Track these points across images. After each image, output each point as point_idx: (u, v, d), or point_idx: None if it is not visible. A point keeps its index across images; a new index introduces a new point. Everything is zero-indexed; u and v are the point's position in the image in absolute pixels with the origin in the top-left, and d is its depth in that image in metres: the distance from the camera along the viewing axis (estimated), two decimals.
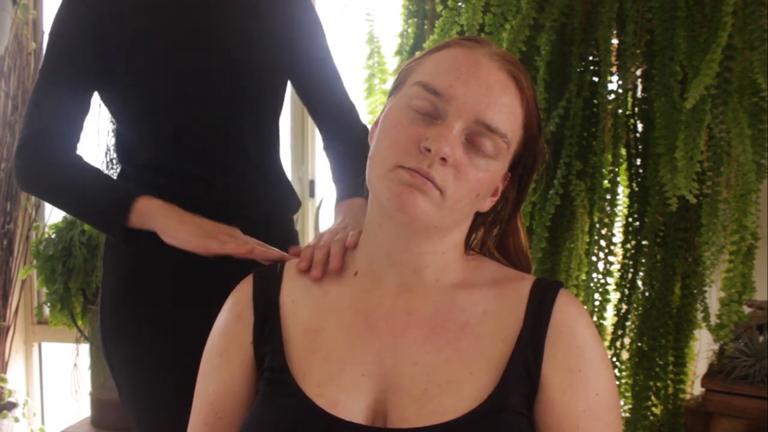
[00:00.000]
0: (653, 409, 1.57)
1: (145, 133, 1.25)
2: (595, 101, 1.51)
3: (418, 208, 0.82)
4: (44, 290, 2.27)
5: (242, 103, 1.26)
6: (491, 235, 0.96)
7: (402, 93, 0.88)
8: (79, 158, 1.21)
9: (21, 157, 1.20)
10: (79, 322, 2.18)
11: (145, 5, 1.23)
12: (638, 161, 1.57)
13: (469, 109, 0.83)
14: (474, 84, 0.84)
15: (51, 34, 1.24)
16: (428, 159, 0.81)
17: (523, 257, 0.98)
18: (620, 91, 1.51)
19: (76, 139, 1.23)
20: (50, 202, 1.26)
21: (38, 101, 1.21)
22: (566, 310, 0.87)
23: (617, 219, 1.57)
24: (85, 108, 1.23)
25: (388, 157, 0.84)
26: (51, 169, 1.19)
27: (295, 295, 0.93)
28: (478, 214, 0.92)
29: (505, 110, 0.84)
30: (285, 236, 1.32)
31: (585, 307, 1.42)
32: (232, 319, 0.94)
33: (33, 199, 2.62)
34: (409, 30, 1.70)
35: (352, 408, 0.83)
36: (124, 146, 1.31)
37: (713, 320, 1.43)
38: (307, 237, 2.41)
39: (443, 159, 0.81)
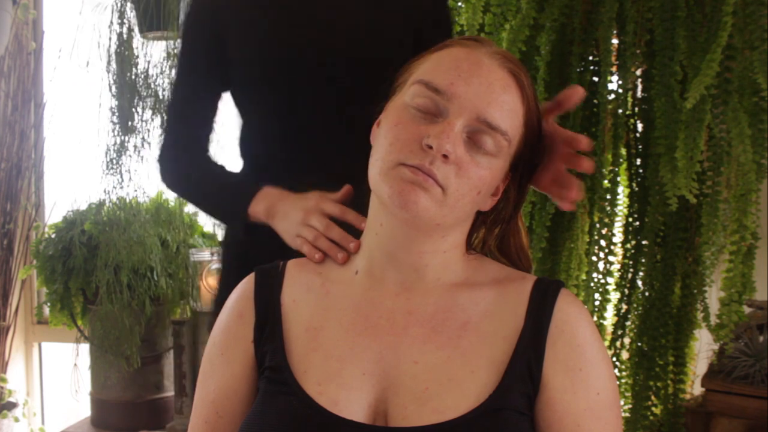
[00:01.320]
0: (653, 409, 1.57)
1: (256, 126, 1.30)
2: (595, 101, 1.51)
3: (420, 205, 0.82)
4: (44, 290, 2.28)
5: (352, 97, 1.26)
6: (492, 235, 0.96)
7: (403, 92, 0.88)
8: (207, 161, 1.29)
9: (160, 163, 1.30)
10: (79, 322, 2.18)
11: None
12: (638, 161, 1.57)
13: (471, 107, 0.83)
14: (475, 82, 0.84)
15: (181, 36, 1.32)
16: (430, 156, 0.82)
17: (524, 257, 0.98)
18: (620, 91, 1.51)
19: (206, 139, 1.30)
20: (190, 202, 1.38)
21: (170, 107, 1.34)
22: (567, 309, 0.87)
23: (617, 219, 1.57)
24: (213, 109, 1.30)
25: (390, 155, 0.84)
26: (183, 175, 1.29)
27: (296, 294, 0.93)
28: (479, 214, 0.93)
29: (506, 108, 0.85)
30: None
31: (585, 306, 1.42)
32: (233, 318, 0.94)
33: (33, 199, 2.62)
34: None
35: (352, 406, 0.83)
36: (242, 141, 1.34)
37: (713, 320, 1.43)
38: None
39: (445, 156, 0.81)
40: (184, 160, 1.29)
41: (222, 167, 1.29)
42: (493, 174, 0.86)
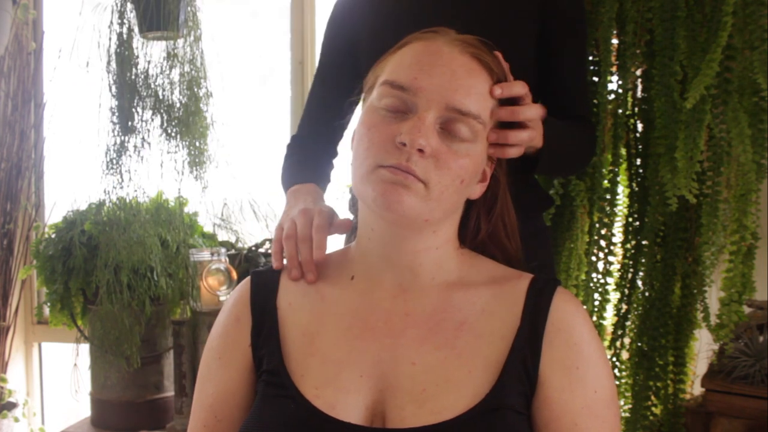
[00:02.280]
0: (653, 409, 1.57)
1: None
2: (595, 101, 1.51)
3: (404, 204, 0.82)
4: (44, 290, 2.27)
5: None
6: (486, 221, 0.95)
7: (371, 96, 0.88)
8: (312, 156, 1.32)
9: (286, 149, 1.36)
10: (79, 322, 2.17)
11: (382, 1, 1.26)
12: (638, 161, 1.57)
13: (438, 98, 0.83)
14: (438, 72, 0.84)
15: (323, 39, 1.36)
16: (405, 154, 0.82)
17: (515, 240, 0.97)
18: (620, 91, 1.51)
19: (328, 140, 1.35)
20: None
21: (306, 104, 1.38)
22: (563, 307, 0.87)
23: (617, 219, 1.57)
24: (336, 113, 1.30)
25: (367, 159, 0.84)
26: (285, 162, 1.32)
27: (292, 298, 0.93)
28: (470, 204, 0.92)
29: (473, 92, 0.85)
30: (538, 233, 1.33)
31: (584, 306, 1.42)
32: (231, 322, 0.94)
33: (33, 199, 2.62)
34: None
35: (350, 409, 0.83)
36: None
37: (713, 320, 1.43)
38: None
39: (420, 151, 0.81)
40: (297, 149, 1.33)
41: (316, 163, 1.31)
42: (474, 160, 0.86)
